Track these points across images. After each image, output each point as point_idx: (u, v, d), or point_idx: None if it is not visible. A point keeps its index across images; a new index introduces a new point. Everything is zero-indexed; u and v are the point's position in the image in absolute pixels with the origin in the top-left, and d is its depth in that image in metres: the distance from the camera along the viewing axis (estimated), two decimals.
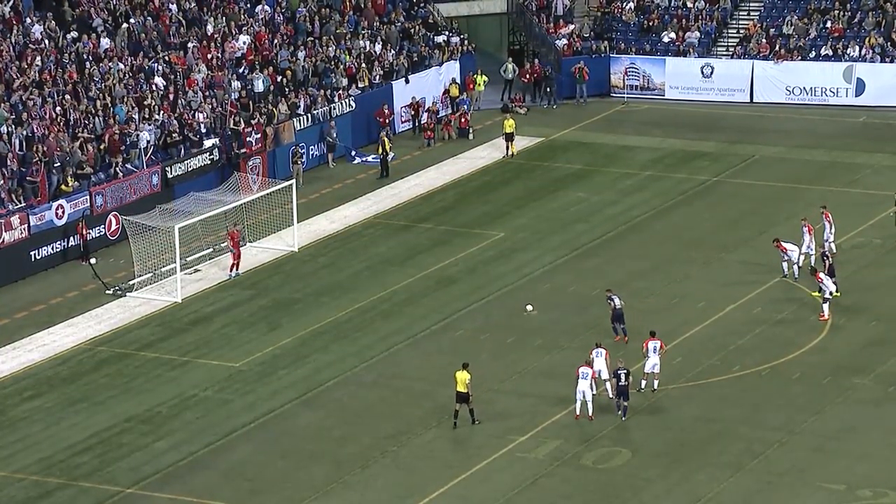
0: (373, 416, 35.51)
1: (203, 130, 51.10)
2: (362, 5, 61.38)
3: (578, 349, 38.22)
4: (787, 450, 33.75)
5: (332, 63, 57.56)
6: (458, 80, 60.14)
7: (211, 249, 45.75)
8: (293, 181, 47.80)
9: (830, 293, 39.66)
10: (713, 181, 52.26)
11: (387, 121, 56.59)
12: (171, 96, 51.62)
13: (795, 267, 42.23)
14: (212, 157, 50.53)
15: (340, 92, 56.24)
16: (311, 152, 54.26)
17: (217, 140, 51.01)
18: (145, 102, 50.48)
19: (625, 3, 64.61)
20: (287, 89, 55.07)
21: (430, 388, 36.67)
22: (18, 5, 52.75)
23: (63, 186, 45.84)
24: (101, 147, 47.71)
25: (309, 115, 54.56)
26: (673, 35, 63.61)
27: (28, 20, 52.02)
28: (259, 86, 54.33)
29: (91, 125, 48.31)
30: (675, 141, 56.82)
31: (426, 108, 58.63)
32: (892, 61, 60.15)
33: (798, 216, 44.50)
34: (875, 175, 52.07)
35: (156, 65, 52.79)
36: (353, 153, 55.48)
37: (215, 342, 39.89)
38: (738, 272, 43.54)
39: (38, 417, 35.78)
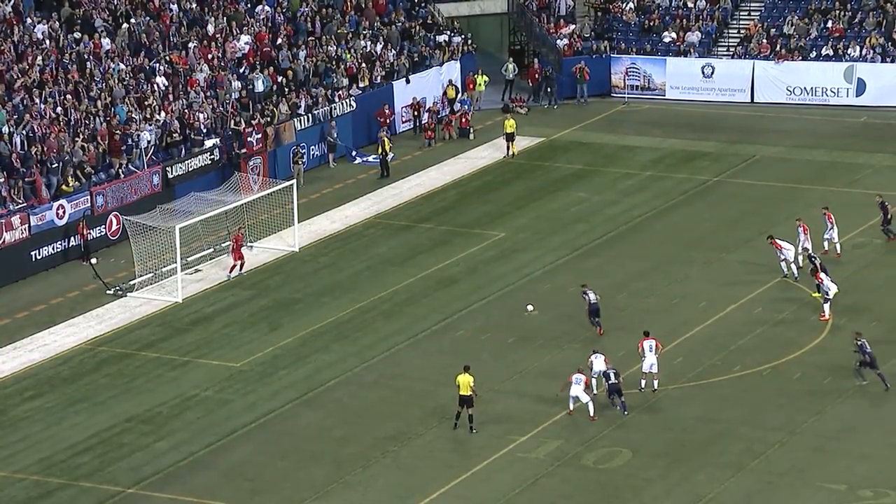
0: (373, 417, 35.52)
1: (204, 130, 51.12)
2: (363, 5, 61.39)
3: (579, 349, 38.24)
4: (787, 450, 33.75)
5: (333, 63, 57.57)
6: (458, 81, 60.12)
7: (212, 249, 45.76)
8: (294, 181, 47.82)
9: (827, 293, 39.66)
10: (714, 181, 52.26)
11: (387, 121, 56.60)
12: (172, 96, 51.60)
13: (794, 266, 42.17)
14: (212, 157, 50.55)
15: (341, 92, 56.25)
16: (311, 152, 54.27)
17: (218, 140, 51.02)
18: (146, 102, 50.49)
19: (625, 3, 64.61)
20: (288, 89, 55.08)
21: (430, 388, 36.68)
22: (19, 5, 52.76)
23: (64, 186, 45.86)
24: (101, 148, 47.59)
25: (310, 115, 54.57)
26: (673, 35, 63.61)
27: (29, 20, 52.03)
28: (260, 86, 54.35)
29: (92, 125, 48.31)
30: (675, 141, 56.83)
31: (427, 108, 58.64)
32: (892, 61, 60.15)
33: (799, 216, 44.48)
34: (876, 175, 52.07)
35: (157, 65, 52.79)
36: (354, 153, 55.49)
37: (216, 342, 39.90)
38: (738, 272, 43.54)
39: (38, 417, 35.80)
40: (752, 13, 64.34)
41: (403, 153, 55.49)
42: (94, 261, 45.02)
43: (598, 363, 35.65)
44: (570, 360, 37.54)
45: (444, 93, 58.99)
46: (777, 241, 42.37)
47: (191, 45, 54.73)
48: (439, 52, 60.73)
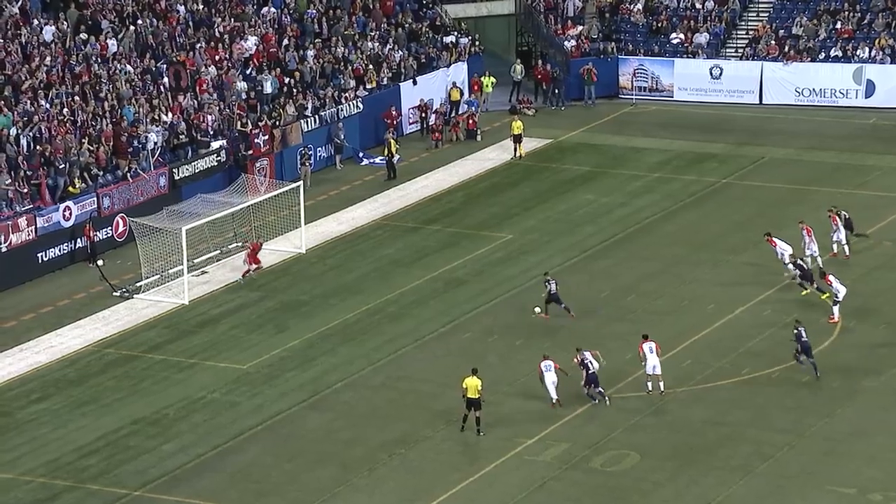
0: (380, 419, 35.50)
1: (210, 132, 51.13)
2: (370, 6, 61.39)
3: (586, 351, 38.19)
4: (796, 453, 33.66)
5: (340, 64, 57.57)
6: (465, 83, 60.05)
7: (218, 251, 45.76)
8: (301, 183, 47.80)
9: (836, 295, 39.57)
10: (722, 183, 52.19)
11: (394, 122, 56.60)
12: (179, 97, 51.63)
13: (790, 266, 41.91)
14: (219, 158, 50.56)
15: (348, 93, 56.25)
16: (318, 154, 54.26)
17: (224, 141, 51.03)
18: (153, 104, 50.50)
19: (633, 5, 64.55)
20: (295, 90, 55.09)
21: (438, 390, 36.65)
22: (26, 6, 52.80)
23: (70, 188, 45.88)
24: (108, 150, 47.56)
25: (317, 116, 54.57)
26: (682, 36, 63.54)
27: (35, 22, 52.07)
28: (268, 87, 54.35)
29: (99, 126, 48.34)
30: (683, 143, 56.77)
31: (434, 109, 58.62)
32: None
33: (807, 218, 44.40)
34: (885, 177, 51.96)
35: (164, 66, 52.82)
36: (361, 155, 55.47)
37: (223, 344, 39.89)
38: (747, 274, 43.46)
39: (45, 419, 35.81)
40: (761, 14, 64.26)
41: (410, 155, 55.47)
42: (100, 263, 45.04)
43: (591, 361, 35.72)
44: (568, 360, 37.50)
45: (448, 95, 58.94)
46: (774, 239, 42.29)
47: (198, 45, 54.76)
48: (446, 54, 60.72)
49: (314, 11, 59.97)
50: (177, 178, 48.88)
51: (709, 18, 64.01)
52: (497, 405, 35.41)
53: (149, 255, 43.47)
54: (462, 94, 59.47)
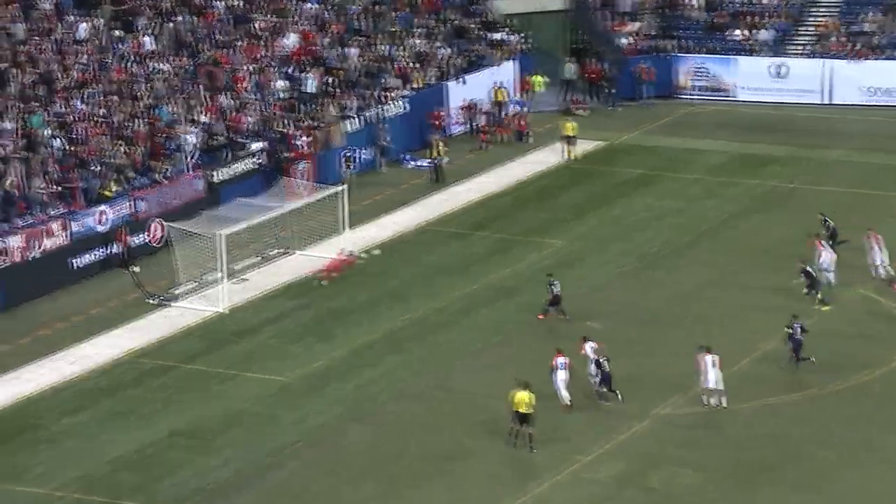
0: (426, 432, 35.68)
1: (249, 133, 51.54)
2: (416, 2, 61.68)
3: (643, 362, 38.25)
4: (862, 471, 33.59)
5: (385, 63, 57.89)
6: (513, 82, 60.18)
7: (258, 258, 46.14)
8: (343, 186, 48.11)
9: None
10: (786, 187, 52.09)
11: (440, 123, 56.86)
12: (217, 97, 52.07)
13: (825, 274, 41.81)
14: (258, 161, 50.95)
15: (392, 93, 56.55)
16: (361, 156, 54.58)
17: (264, 143, 51.42)
18: (190, 104, 50.97)
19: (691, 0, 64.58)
20: (337, 90, 55.44)
21: (486, 402, 36.76)
22: (59, 2, 53.42)
23: (104, 191, 46.35)
24: (139, 152, 47.97)
25: (360, 117, 54.89)
26: (743, 33, 63.46)
27: (69, 18, 52.68)
28: (310, 86, 54.72)
29: (134, 127, 48.82)
30: (744, 145, 56.71)
31: (482, 109, 58.83)
32: None
33: (876, 223, 44.27)
34: None
35: (200, 65, 53.28)
36: (406, 157, 55.76)
37: (262, 354, 40.19)
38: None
39: (78, 432, 36.17)
40: (828, 9, 64.05)
41: (457, 157, 55.69)
42: (135, 269, 45.45)
43: (589, 352, 36.22)
44: (632, 374, 37.59)
45: (493, 96, 59.08)
46: (820, 241, 42.10)
47: (237, 43, 55.21)
48: (495, 52, 60.92)
49: (357, 7, 60.34)
50: (214, 181, 49.31)
51: (772, 14, 63.89)
52: (550, 420, 35.51)
53: (185, 261, 43.82)
54: (508, 94, 59.64)
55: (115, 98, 49.57)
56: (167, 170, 48.25)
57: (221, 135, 50.68)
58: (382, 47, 58.66)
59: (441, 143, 54.19)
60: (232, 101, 52.28)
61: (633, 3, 64.87)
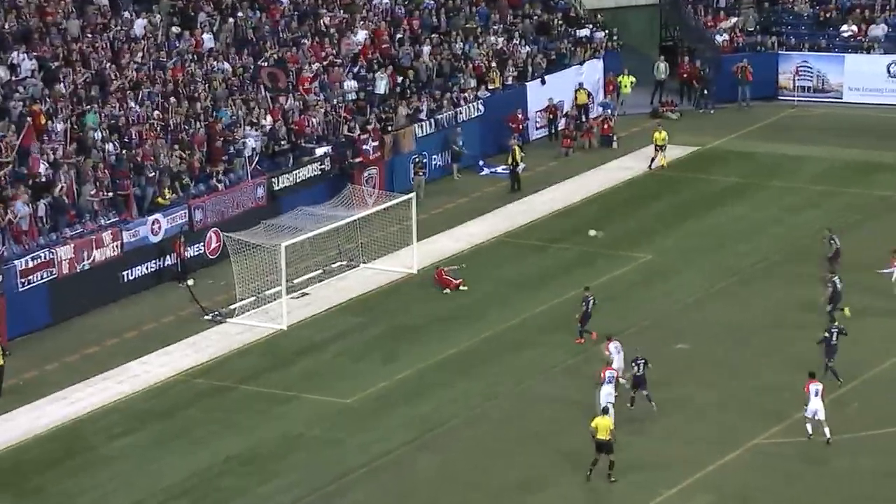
0: (501, 460, 35.76)
1: (314, 137, 51.95)
2: None
3: (736, 388, 38.14)
4: None
5: (460, 62, 58.14)
6: (598, 83, 60.20)
7: (321, 270, 46.51)
8: (413, 194, 48.37)
9: None
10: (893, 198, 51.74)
11: (520, 127, 57.02)
12: (280, 99, 52.50)
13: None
14: (323, 167, 51.34)
15: (468, 94, 56.79)
16: (433, 162, 54.83)
17: (329, 148, 51.83)
18: (251, 105, 51.44)
19: None
20: (408, 91, 55.76)
21: (564, 428, 36.82)
22: None
23: (159, 199, 46.90)
24: (197, 157, 48.43)
25: (432, 120, 55.16)
26: (854, 28, 62.98)
27: (126, 14, 53.38)
28: (381, 87, 55.03)
29: (191, 130, 49.36)
30: (851, 151, 56.30)
31: (565, 112, 58.92)
32: None
33: None
34: None
35: (264, 63, 53.78)
36: (482, 163, 55.95)
37: (325, 374, 40.46)
38: None
39: (129, 455, 36.57)
40: None
41: (537, 163, 55.78)
42: (190, 282, 45.93)
43: (618, 357, 36.88)
44: (722, 399, 37.48)
45: (575, 98, 59.12)
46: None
47: (302, 41, 55.68)
48: (580, 50, 60.99)
49: (431, 2, 60.67)
50: (276, 188, 49.68)
51: (888, 7, 63.27)
52: (631, 448, 35.53)
53: (244, 275, 44.19)
54: (591, 96, 59.67)
55: (172, 99, 50.14)
56: (226, 176, 48.73)
57: (284, 139, 51.13)
58: (457, 45, 58.92)
59: (519, 149, 54.32)
60: (296, 103, 52.73)
61: None
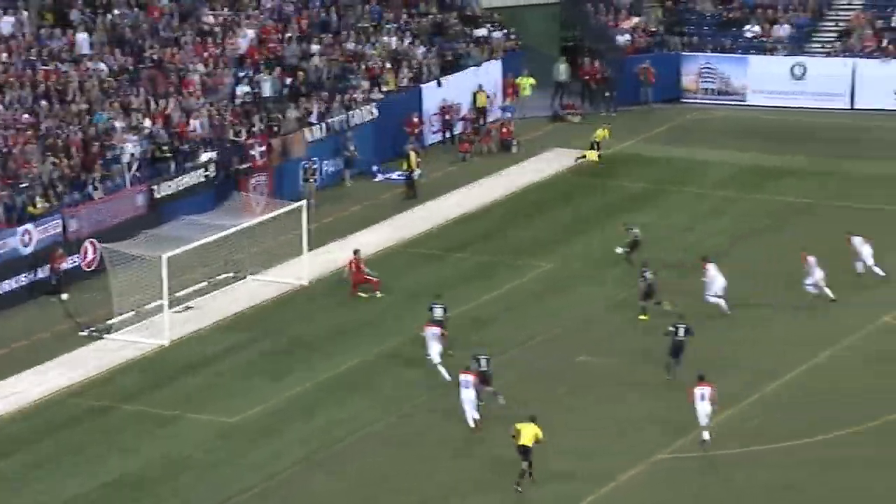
0: (397, 480, 35.59)
1: (198, 142, 51.52)
2: None
3: (647, 399, 38.26)
4: None
5: (352, 62, 57.95)
6: (495, 85, 60.29)
7: (206, 283, 46.09)
8: (304, 202, 48.12)
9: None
10: (804, 203, 52.24)
11: (416, 131, 56.94)
12: (161, 101, 52.05)
13: (809, 288, 43.20)
14: (207, 173, 50.93)
15: (361, 97, 56.61)
16: (325, 168, 54.62)
17: (214, 153, 51.42)
18: (130, 108, 50.94)
19: None
20: (298, 93, 55.48)
21: (462, 446, 36.77)
22: None
23: (31, 208, 46.27)
24: (71, 163, 47.88)
25: (323, 123, 54.94)
26: (758, 29, 63.70)
27: None
28: (267, 89, 54.76)
29: (65, 135, 48.77)
30: (758, 155, 56.89)
31: (462, 115, 58.92)
32: None
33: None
34: None
35: (143, 65, 53.30)
36: (376, 169, 55.81)
37: (210, 392, 40.13)
38: (835, 312, 43.42)
39: None
40: (854, 2, 64.32)
41: (434, 169, 55.76)
42: (65, 296, 45.38)
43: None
44: (636, 412, 37.57)
45: (474, 100, 59.20)
46: (808, 256, 43.29)
47: (184, 40, 55.23)
48: (477, 50, 61.05)
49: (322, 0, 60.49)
50: (157, 196, 49.25)
51: (791, 7, 64.08)
52: (545, 461, 35.47)
53: (123, 288, 43.74)
54: (490, 98, 59.74)
55: (44, 102, 49.49)
56: (102, 184, 48.13)
57: (166, 144, 50.66)
58: (350, 45, 58.73)
59: (415, 154, 54.23)
60: (178, 106, 52.25)
61: None
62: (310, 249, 47.11)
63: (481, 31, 62.26)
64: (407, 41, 60.15)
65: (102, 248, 45.23)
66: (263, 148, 52.42)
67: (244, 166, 51.66)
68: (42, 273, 45.76)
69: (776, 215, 51.21)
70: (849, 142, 58.10)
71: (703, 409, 36.22)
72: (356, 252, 45.86)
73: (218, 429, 38.13)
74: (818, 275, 43.83)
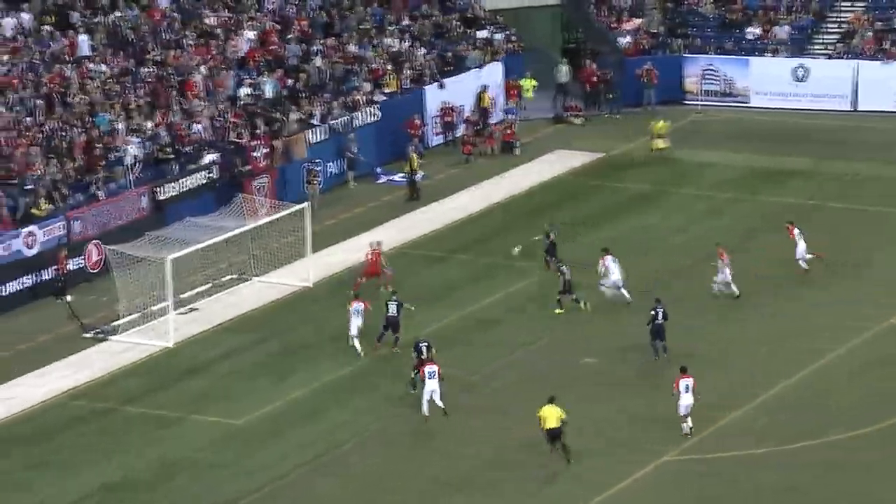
0: (400, 484, 35.55)
1: (200, 144, 51.51)
2: None
3: (644, 405, 38.25)
4: None
5: (354, 64, 57.94)
6: (498, 87, 60.27)
7: (209, 285, 46.08)
8: (307, 204, 48.09)
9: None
10: (806, 204, 52.22)
11: (417, 133, 56.92)
12: (164, 103, 52.06)
13: (715, 285, 43.85)
14: (210, 175, 50.92)
15: (363, 98, 56.58)
16: (328, 170, 54.59)
17: (216, 155, 51.41)
18: (132, 110, 50.94)
19: None
20: (300, 95, 55.47)
21: (465, 448, 36.73)
22: None
23: (34, 210, 46.26)
24: (74, 165, 47.86)
25: (325, 125, 54.92)
26: (759, 30, 63.66)
27: None
28: (268, 91, 54.76)
29: (68, 137, 48.77)
30: (759, 157, 56.90)
31: (465, 117, 58.92)
32: None
33: None
34: None
35: (145, 67, 53.31)
36: (379, 171, 55.78)
37: (214, 395, 40.09)
38: (835, 314, 43.41)
39: None
40: (856, 4, 64.30)
41: (436, 171, 55.74)
42: (69, 298, 45.35)
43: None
44: (640, 413, 37.55)
45: (477, 101, 59.18)
46: (724, 253, 43.93)
47: (186, 42, 55.24)
48: (479, 52, 61.03)
49: (322, 1, 60.46)
50: (160, 197, 49.22)
51: (793, 9, 64.06)
52: (542, 465, 35.43)
53: (128, 289, 43.71)
54: (493, 100, 59.72)
55: (43, 105, 49.50)
56: (106, 186, 48.12)
57: (168, 146, 50.65)
58: (352, 47, 58.72)
59: (417, 157, 54.21)
60: (180, 108, 52.25)
61: None
62: (313, 251, 47.06)
63: (483, 33, 62.22)
64: (407, 43, 60.10)
65: (107, 249, 45.13)
66: (265, 150, 52.39)
67: (246, 168, 51.62)
68: (46, 275, 45.68)
69: (777, 217, 51.13)
70: (851, 143, 58.06)
71: (686, 400, 36.56)
72: (377, 244, 45.86)
73: (222, 431, 38.11)
74: (727, 273, 44.01)
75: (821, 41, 63.64)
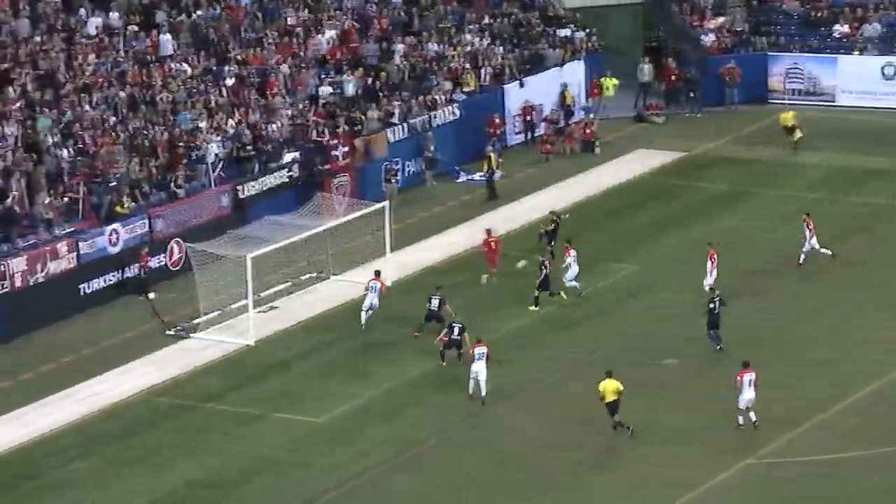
0: (482, 480, 35.74)
1: (281, 143, 51.94)
2: None
3: (722, 406, 38.36)
4: None
5: (433, 63, 58.21)
6: (579, 85, 60.38)
7: (289, 283, 46.49)
8: (386, 203, 48.40)
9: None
10: (894, 205, 51.96)
11: (497, 132, 57.11)
12: (245, 102, 52.51)
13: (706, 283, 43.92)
14: (290, 174, 51.32)
15: (442, 97, 56.83)
16: (407, 169, 54.88)
17: (297, 154, 51.82)
18: (213, 109, 51.40)
19: None
20: (380, 94, 55.80)
21: (541, 449, 36.87)
22: None
23: (118, 208, 46.81)
24: (156, 163, 48.41)
25: (405, 124, 55.20)
26: (846, 28, 63.31)
27: (82, 12, 53.31)
28: (349, 89, 55.08)
29: (150, 136, 49.32)
30: (846, 157, 56.58)
31: (544, 116, 59.06)
32: None
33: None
34: None
35: (226, 65, 53.78)
36: (458, 170, 56.01)
37: (293, 392, 40.44)
38: None
39: (84, 481, 36.35)
40: None
41: (515, 170, 55.87)
42: (151, 296, 45.90)
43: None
44: (711, 419, 37.62)
45: (561, 99, 59.30)
46: (715, 253, 44.23)
47: (266, 41, 55.69)
48: (560, 51, 61.15)
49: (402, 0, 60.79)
50: (241, 196, 49.68)
51: (881, 6, 63.61)
52: (617, 469, 35.57)
53: (208, 288, 44.14)
54: (575, 98, 59.83)
55: (127, 103, 50.06)
56: (187, 184, 48.66)
57: (249, 144, 51.12)
58: (431, 46, 59.00)
59: (495, 157, 54.32)
60: (261, 107, 52.70)
61: None
62: (392, 250, 47.33)
63: (564, 32, 62.31)
64: (488, 42, 60.28)
65: (188, 247, 45.55)
66: (345, 149, 52.75)
67: (326, 167, 51.97)
68: (130, 272, 46.18)
69: (865, 217, 50.96)
70: None
71: (749, 394, 36.79)
72: (489, 231, 46.63)
73: (302, 429, 38.41)
74: (714, 275, 44.16)
75: None
